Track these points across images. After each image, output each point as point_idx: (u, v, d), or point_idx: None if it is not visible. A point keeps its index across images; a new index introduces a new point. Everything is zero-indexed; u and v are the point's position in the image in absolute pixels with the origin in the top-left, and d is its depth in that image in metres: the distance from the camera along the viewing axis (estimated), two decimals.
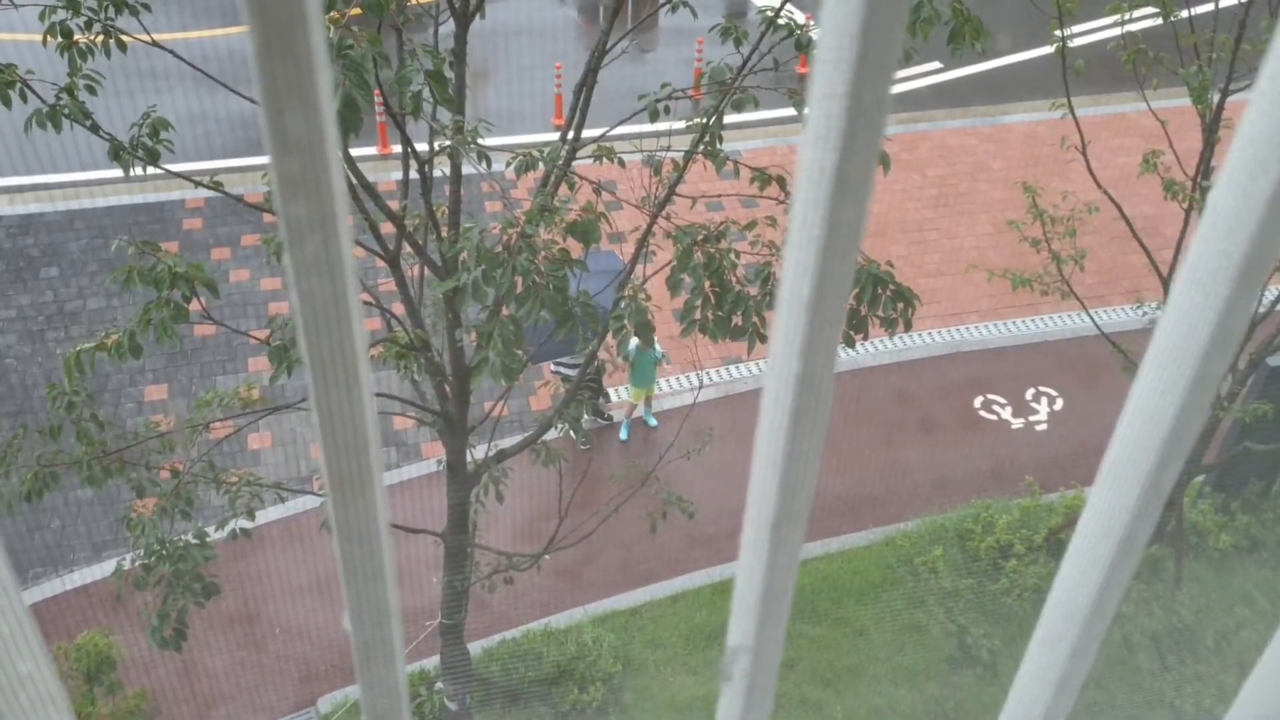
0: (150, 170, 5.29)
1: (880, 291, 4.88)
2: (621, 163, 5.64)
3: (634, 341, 9.54)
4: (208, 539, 5.74)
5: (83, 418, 5.31)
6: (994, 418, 11.16)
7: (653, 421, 10.90)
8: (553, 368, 10.06)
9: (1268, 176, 0.41)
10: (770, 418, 0.44)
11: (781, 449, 0.44)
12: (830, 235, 0.39)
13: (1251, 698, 0.62)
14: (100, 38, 5.05)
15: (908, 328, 4.98)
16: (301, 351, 0.39)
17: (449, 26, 5.42)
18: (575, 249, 4.78)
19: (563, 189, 5.40)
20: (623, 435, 10.79)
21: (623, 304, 4.79)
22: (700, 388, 9.99)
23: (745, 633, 0.50)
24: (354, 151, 5.66)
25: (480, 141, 5.00)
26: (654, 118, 5.47)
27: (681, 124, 5.55)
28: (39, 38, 5.02)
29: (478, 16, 5.29)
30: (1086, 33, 9.73)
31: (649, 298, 5.11)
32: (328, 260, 0.36)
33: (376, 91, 4.62)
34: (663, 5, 5.78)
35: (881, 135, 0.38)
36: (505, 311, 4.61)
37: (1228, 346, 0.45)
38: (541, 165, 5.28)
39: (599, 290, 5.38)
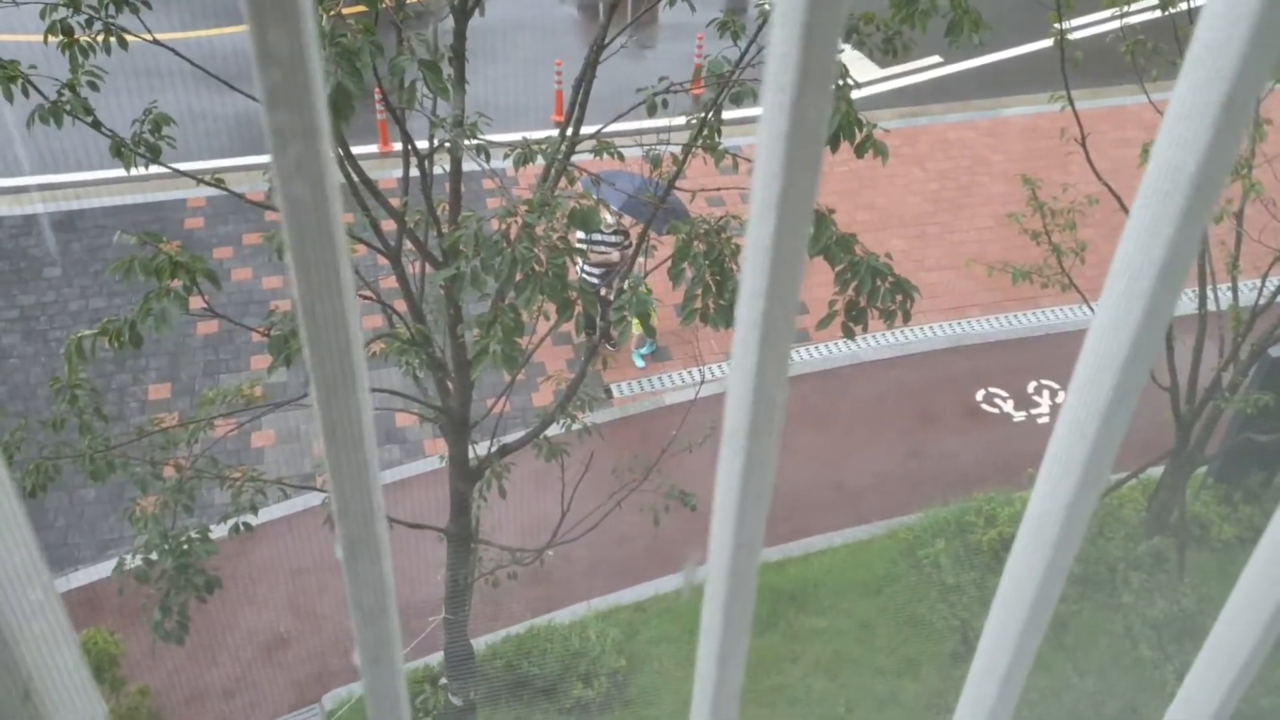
0: (152, 168, 5.31)
1: (879, 284, 4.89)
2: (620, 157, 5.66)
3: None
4: (209, 534, 5.77)
5: (85, 410, 5.32)
6: (996, 411, 11.19)
7: (649, 348, 11.72)
8: (581, 270, 10.33)
9: (1203, 136, 0.44)
10: (736, 383, 0.47)
11: (750, 389, 0.47)
12: (785, 193, 0.42)
13: (1203, 674, 0.64)
14: (101, 36, 5.08)
15: (906, 319, 4.98)
16: (288, 260, 0.42)
17: (449, 23, 5.44)
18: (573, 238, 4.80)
19: (562, 182, 5.42)
20: (638, 363, 11.57)
21: (624, 294, 4.80)
22: (702, 383, 10.01)
23: (720, 556, 0.53)
24: (355, 149, 5.69)
25: (480, 136, 5.01)
26: (652, 112, 5.49)
27: (682, 119, 5.57)
28: (40, 37, 5.05)
29: (477, 13, 5.31)
30: (1085, 25, 9.74)
31: (649, 291, 5.12)
32: (310, 165, 0.39)
33: (376, 90, 4.65)
34: (661, 0, 5.80)
35: (828, 104, 0.41)
36: (506, 300, 4.63)
37: (1172, 289, 0.48)
38: (540, 159, 5.30)
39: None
